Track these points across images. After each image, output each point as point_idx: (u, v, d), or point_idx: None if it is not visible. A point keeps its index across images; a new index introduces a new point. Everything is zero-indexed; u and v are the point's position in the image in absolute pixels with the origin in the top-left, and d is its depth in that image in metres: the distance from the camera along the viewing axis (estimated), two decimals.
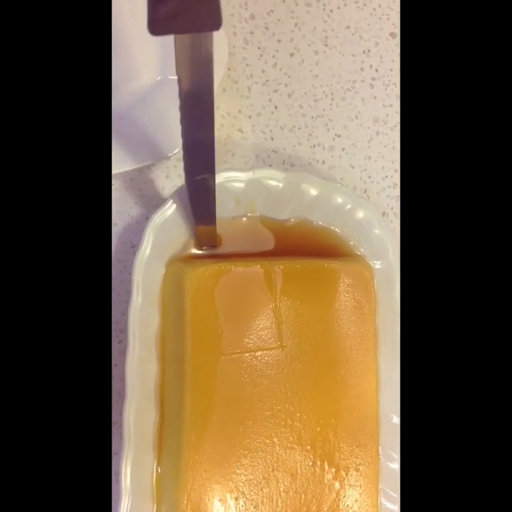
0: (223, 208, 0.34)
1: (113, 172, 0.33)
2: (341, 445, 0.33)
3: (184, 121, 0.27)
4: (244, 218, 0.35)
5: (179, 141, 0.33)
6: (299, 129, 0.40)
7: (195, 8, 0.23)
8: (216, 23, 0.24)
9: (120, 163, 0.33)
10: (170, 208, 0.33)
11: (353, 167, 0.41)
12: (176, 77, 0.25)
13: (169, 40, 0.24)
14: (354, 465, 0.34)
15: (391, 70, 0.43)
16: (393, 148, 0.42)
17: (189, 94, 0.26)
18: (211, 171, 0.29)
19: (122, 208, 0.36)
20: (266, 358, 0.32)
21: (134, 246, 0.36)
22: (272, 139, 0.39)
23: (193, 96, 0.26)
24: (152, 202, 0.36)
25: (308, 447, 0.33)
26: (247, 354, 0.31)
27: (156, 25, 0.23)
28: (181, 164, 0.37)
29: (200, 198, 0.30)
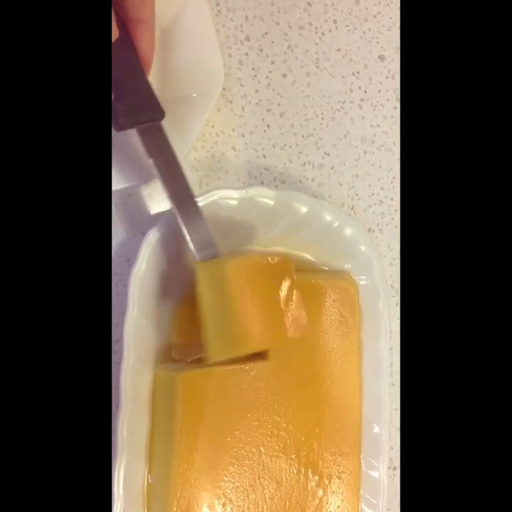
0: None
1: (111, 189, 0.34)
2: (325, 454, 0.35)
3: (165, 186, 0.32)
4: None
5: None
6: (290, 147, 0.41)
7: (141, 105, 0.32)
8: (160, 115, 0.32)
9: (118, 181, 0.34)
10: (166, 225, 0.34)
11: (341, 185, 0.43)
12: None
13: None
14: (337, 473, 0.35)
15: (379, 91, 0.44)
16: (379, 166, 0.44)
17: (163, 170, 0.32)
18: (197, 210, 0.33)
19: (119, 222, 0.37)
20: (255, 370, 0.33)
21: (129, 260, 0.37)
22: (264, 156, 0.41)
23: (167, 170, 0.32)
24: (149, 217, 0.37)
25: (293, 456, 0.34)
26: (237, 367, 0.32)
27: (118, 123, 0.31)
28: None
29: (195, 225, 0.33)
